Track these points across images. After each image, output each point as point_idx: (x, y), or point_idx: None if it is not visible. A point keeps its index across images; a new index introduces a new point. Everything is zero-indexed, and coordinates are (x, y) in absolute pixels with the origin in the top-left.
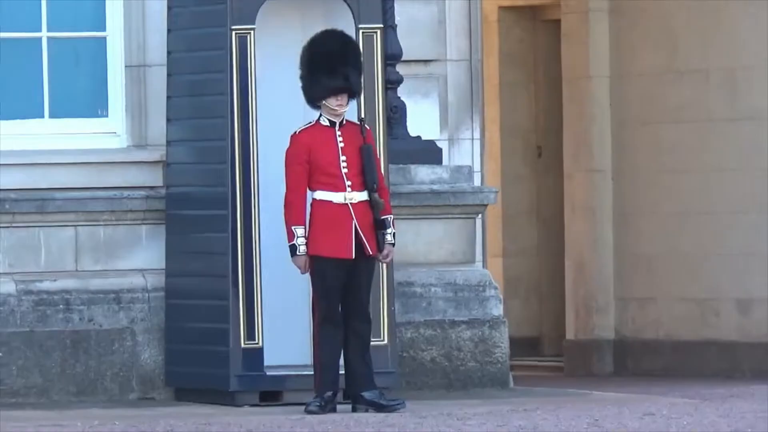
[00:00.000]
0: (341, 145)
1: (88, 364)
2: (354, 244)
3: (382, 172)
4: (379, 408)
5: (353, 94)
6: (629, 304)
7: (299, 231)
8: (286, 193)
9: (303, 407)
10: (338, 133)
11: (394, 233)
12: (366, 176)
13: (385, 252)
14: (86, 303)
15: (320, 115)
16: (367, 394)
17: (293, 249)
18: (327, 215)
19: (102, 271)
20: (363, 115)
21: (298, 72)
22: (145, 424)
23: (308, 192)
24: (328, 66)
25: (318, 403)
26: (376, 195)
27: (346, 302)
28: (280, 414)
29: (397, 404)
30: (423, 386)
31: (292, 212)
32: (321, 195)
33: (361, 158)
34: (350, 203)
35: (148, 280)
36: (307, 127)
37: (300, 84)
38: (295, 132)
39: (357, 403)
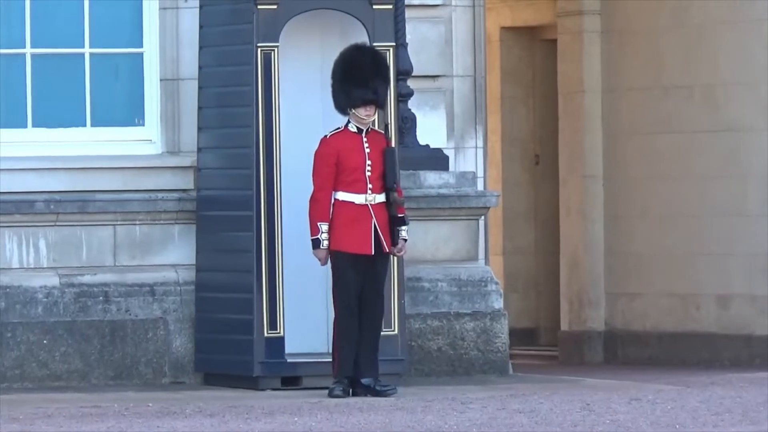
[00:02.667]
0: (367, 150)
1: (124, 351)
2: (373, 242)
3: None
4: (374, 393)
5: (380, 105)
6: (618, 298)
7: (324, 227)
8: (314, 191)
9: (321, 391)
10: (365, 139)
11: (407, 230)
12: (387, 176)
13: (399, 246)
14: (123, 295)
15: (348, 121)
16: (364, 380)
17: (316, 242)
18: (348, 214)
19: (138, 266)
20: (388, 122)
21: (319, 84)
22: (176, 405)
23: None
24: (360, 79)
25: (342, 388)
26: (395, 194)
27: (362, 294)
28: (299, 398)
29: (390, 389)
30: (430, 373)
31: (319, 209)
32: (343, 196)
33: (384, 159)
34: (370, 204)
35: (180, 275)
36: (336, 133)
37: (331, 92)
38: (326, 136)
39: (355, 387)
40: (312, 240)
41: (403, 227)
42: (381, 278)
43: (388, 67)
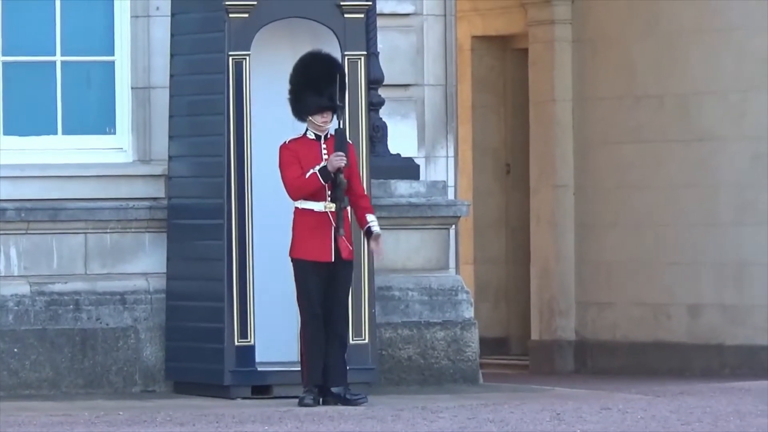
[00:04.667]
0: (325, 156)
1: (95, 360)
2: (333, 249)
3: (363, 184)
4: (344, 402)
5: (336, 111)
6: (589, 307)
7: (310, 171)
8: (289, 189)
9: (291, 400)
10: (323, 145)
11: (376, 224)
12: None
13: (375, 242)
14: (94, 303)
15: (306, 129)
16: (334, 389)
17: (324, 173)
18: (308, 222)
19: (109, 274)
20: (342, 126)
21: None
22: (147, 414)
23: (291, 201)
24: (315, 86)
25: (312, 397)
26: (341, 176)
27: (326, 304)
28: (269, 406)
29: (360, 398)
30: (400, 382)
31: (305, 184)
32: (303, 204)
33: (334, 140)
34: (329, 211)
35: (151, 283)
36: (295, 139)
37: (288, 99)
38: (285, 142)
39: (325, 396)
40: (322, 176)
41: (371, 220)
42: (344, 285)
43: (344, 74)
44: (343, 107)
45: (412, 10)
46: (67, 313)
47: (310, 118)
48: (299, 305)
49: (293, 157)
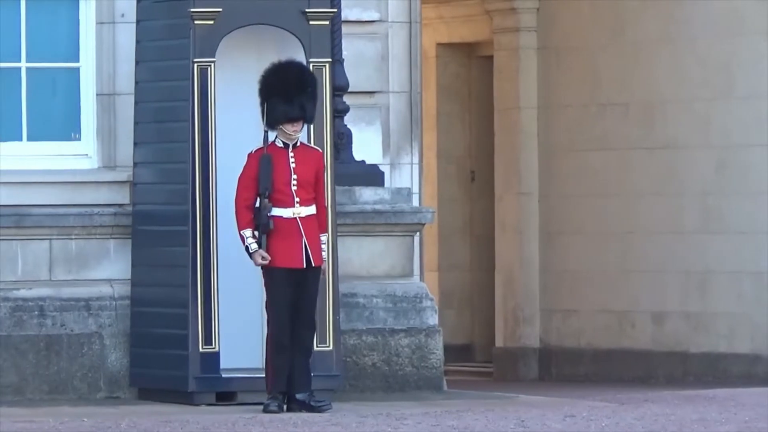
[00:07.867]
0: (293, 165)
1: (59, 366)
2: (304, 255)
3: (328, 192)
4: (309, 408)
5: (307, 120)
6: (553, 315)
7: (247, 233)
8: (235, 207)
9: (255, 407)
10: (291, 154)
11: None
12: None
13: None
14: (59, 310)
15: (276, 136)
16: (299, 396)
17: (247, 250)
18: (278, 229)
19: (73, 280)
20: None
21: (255, 98)
22: (111, 420)
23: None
24: (286, 95)
25: (276, 403)
26: (266, 200)
27: (294, 309)
28: (234, 413)
29: (324, 405)
30: (364, 389)
31: (238, 219)
32: (272, 211)
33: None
34: (298, 217)
35: (116, 290)
36: (261, 148)
37: (259, 108)
38: (252, 151)
39: (290, 402)
40: (245, 249)
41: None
42: (313, 292)
43: (315, 83)
44: (314, 117)
45: (377, 18)
46: (31, 319)
47: (281, 127)
48: (268, 313)
49: (250, 169)
